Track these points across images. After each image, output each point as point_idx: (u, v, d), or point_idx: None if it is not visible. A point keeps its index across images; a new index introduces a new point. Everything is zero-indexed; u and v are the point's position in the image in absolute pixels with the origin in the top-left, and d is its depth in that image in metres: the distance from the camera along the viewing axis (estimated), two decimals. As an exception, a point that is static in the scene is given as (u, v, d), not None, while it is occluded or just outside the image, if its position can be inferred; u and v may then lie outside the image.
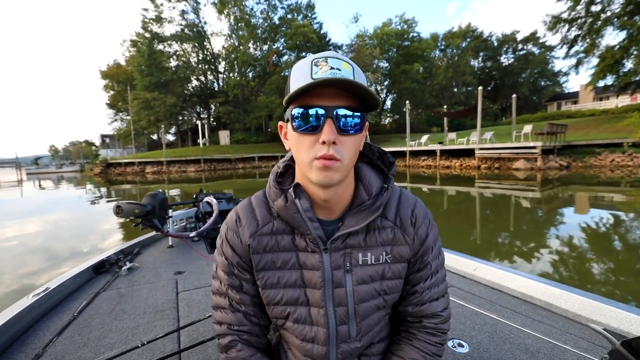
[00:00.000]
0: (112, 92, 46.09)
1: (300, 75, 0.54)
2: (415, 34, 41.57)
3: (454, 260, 2.01)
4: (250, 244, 0.64)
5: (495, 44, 43.00)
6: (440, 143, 19.21)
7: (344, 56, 0.56)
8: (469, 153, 16.36)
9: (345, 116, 0.53)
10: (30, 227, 7.44)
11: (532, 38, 37.81)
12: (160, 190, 2.47)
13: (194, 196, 3.18)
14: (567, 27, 19.29)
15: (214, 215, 2.67)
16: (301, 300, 0.64)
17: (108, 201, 11.87)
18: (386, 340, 0.73)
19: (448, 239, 5.32)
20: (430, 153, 18.80)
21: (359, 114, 0.54)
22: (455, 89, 43.30)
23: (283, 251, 0.64)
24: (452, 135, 19.61)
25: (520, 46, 41.79)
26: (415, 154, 19.92)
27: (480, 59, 44.48)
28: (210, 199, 2.86)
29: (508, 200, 8.28)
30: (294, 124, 0.55)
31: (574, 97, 37.64)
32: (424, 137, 21.05)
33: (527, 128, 15.36)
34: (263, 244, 0.64)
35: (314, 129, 0.53)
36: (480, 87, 16.58)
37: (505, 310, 1.53)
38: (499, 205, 7.99)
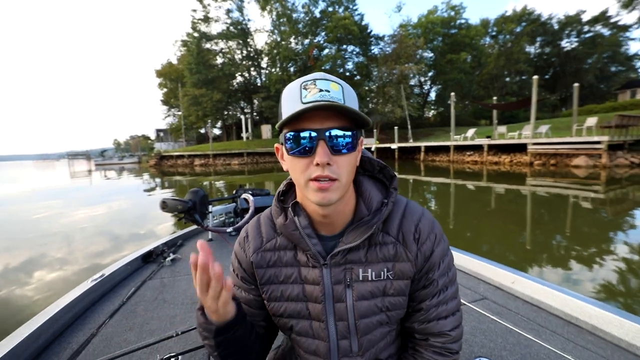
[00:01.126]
0: (165, 90, 49.64)
1: (290, 99, 0.56)
2: (463, 21, 39.18)
3: (490, 271, 1.86)
4: (253, 260, 0.68)
5: (556, 27, 38.86)
6: (488, 137, 17.99)
7: (333, 76, 0.57)
8: (521, 148, 15.12)
9: (337, 137, 0.54)
10: (98, 212, 8.41)
11: (602, 18, 33.66)
12: (201, 188, 2.67)
13: (234, 192, 3.38)
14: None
15: (250, 211, 2.84)
16: (303, 314, 0.66)
17: (162, 191, 12.96)
18: (395, 356, 0.72)
19: (488, 243, 5.05)
20: (477, 148, 17.68)
21: (350, 132, 0.55)
22: (508, 79, 40.06)
23: (286, 266, 0.67)
24: (502, 128, 18.26)
25: (586, 28, 37.31)
26: (460, 148, 18.85)
27: (537, 45, 40.59)
28: (248, 195, 3.01)
29: (563, 201, 7.58)
30: (287, 147, 0.57)
31: (652, 84, 32.94)
32: (470, 131, 19.86)
33: (591, 120, 13.78)
34: (266, 259, 0.68)
35: (308, 152, 0.55)
36: (535, 76, 15.14)
37: (543, 330, 1.39)
38: (552, 206, 7.35)
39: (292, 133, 0.55)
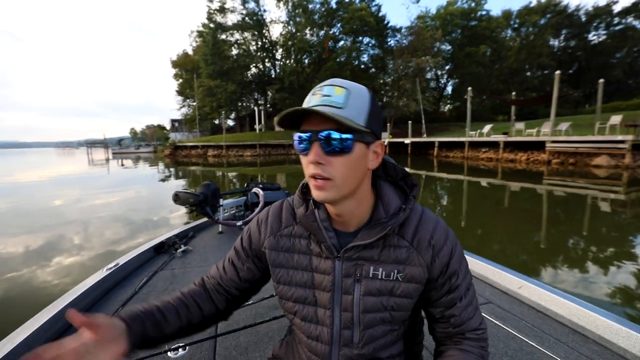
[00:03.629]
0: (181, 80, 50.26)
1: (303, 105, 0.61)
2: (483, 12, 37.84)
3: (496, 274, 1.82)
4: (268, 242, 0.73)
5: (583, 19, 37.14)
6: (505, 134, 17.48)
7: (345, 81, 0.60)
8: (539, 146, 14.66)
9: (332, 138, 0.57)
10: (114, 200, 8.68)
11: (635, 9, 31.93)
12: (213, 182, 2.72)
13: (245, 185, 3.43)
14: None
15: (259, 205, 2.88)
16: (309, 300, 0.70)
17: (175, 181, 13.23)
18: (396, 358, 0.74)
19: (501, 242, 4.97)
20: (493, 145, 17.23)
21: (347, 135, 0.57)
22: (529, 73, 38.68)
23: (299, 253, 0.71)
24: (520, 125, 17.68)
25: (616, 20, 35.50)
26: (476, 145, 18.42)
27: (561, 38, 38.93)
28: (258, 190, 3.06)
29: (581, 202, 7.35)
30: (295, 146, 0.63)
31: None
32: (487, 127, 19.38)
33: (615, 119, 13.19)
34: (281, 243, 0.73)
35: (306, 151, 0.61)
36: (558, 71, 14.56)
37: (547, 337, 1.37)
38: (569, 206, 7.14)
39: (296, 135, 0.62)
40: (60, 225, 5.99)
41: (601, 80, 14.27)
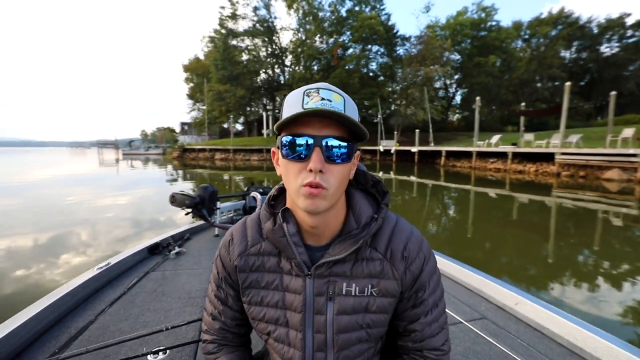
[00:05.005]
0: (191, 85, 51.05)
1: (292, 104, 0.56)
2: (493, 23, 37.79)
3: (492, 289, 1.75)
4: (237, 263, 0.67)
5: (595, 30, 36.79)
6: (514, 144, 17.33)
7: (337, 88, 0.58)
8: (548, 158, 14.47)
9: (333, 146, 0.55)
10: (122, 200, 8.79)
11: (648, 23, 31.49)
12: (211, 185, 2.72)
13: (245, 189, 3.42)
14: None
15: (257, 209, 2.86)
16: (281, 321, 0.66)
17: (183, 183, 13.36)
18: None
19: (507, 254, 4.88)
20: (501, 155, 17.07)
21: (346, 144, 0.56)
22: (539, 84, 38.36)
23: (268, 272, 0.66)
24: (529, 136, 17.51)
25: (629, 32, 35.09)
26: (483, 155, 18.26)
27: (573, 50, 38.58)
28: (256, 194, 3.04)
29: (591, 216, 7.20)
30: (283, 151, 0.57)
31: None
32: (495, 137, 19.20)
33: (628, 132, 12.98)
34: (249, 263, 0.67)
35: (303, 157, 0.55)
36: (568, 83, 14.43)
37: (542, 358, 1.31)
38: (579, 220, 7.00)
39: (289, 137, 0.56)
40: (68, 224, 6.07)
41: (613, 93, 14.07)
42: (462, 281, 1.95)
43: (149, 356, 1.24)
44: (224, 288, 0.71)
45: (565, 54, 38.52)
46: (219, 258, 0.72)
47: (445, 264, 2.12)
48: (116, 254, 2.19)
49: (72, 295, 1.61)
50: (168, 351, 1.27)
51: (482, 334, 1.44)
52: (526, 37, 39.89)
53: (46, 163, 28.99)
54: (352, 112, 0.57)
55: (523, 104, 20.66)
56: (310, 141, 0.54)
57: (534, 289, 3.47)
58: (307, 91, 0.56)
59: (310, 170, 0.54)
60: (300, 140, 0.55)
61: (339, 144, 0.55)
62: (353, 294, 0.63)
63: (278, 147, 0.60)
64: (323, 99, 0.55)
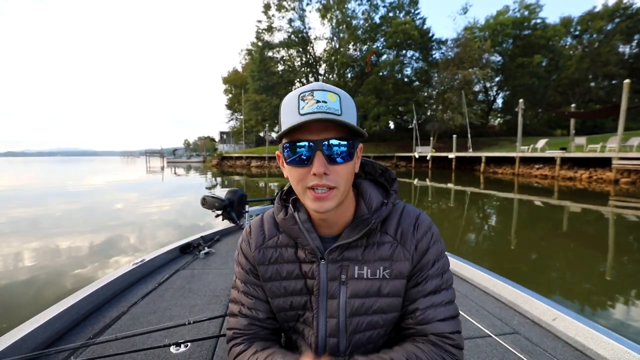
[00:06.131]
0: (230, 95, 53.62)
1: (288, 111, 0.57)
2: (538, 20, 35.52)
3: (527, 302, 1.62)
4: (255, 255, 0.69)
5: (660, 23, 33.18)
6: (563, 149, 16.00)
7: (331, 86, 0.58)
8: (604, 163, 13.18)
9: (334, 147, 0.55)
10: (166, 205, 9.41)
11: None
12: (240, 188, 2.83)
13: (275, 194, 3.51)
14: None
15: None
16: (308, 306, 0.67)
17: (222, 188, 13.99)
18: None
19: (557, 270, 4.52)
20: (548, 161, 15.83)
21: (346, 142, 0.56)
22: (592, 84, 35.24)
23: (287, 262, 0.68)
24: (581, 140, 16.08)
25: (702, 23, 31.23)
26: (528, 161, 17.06)
27: (633, 44, 35.05)
28: None
29: (656, 228, 6.43)
30: (285, 156, 0.59)
31: None
32: (541, 142, 17.92)
33: (702, 134, 11.51)
34: (267, 256, 0.69)
35: (306, 161, 0.56)
36: (627, 80, 13.10)
37: None
38: (636, 233, 6.29)
39: (289, 144, 0.57)
40: (118, 226, 6.61)
41: (683, 91, 12.51)
42: (493, 292, 1.84)
43: (171, 347, 1.30)
44: (253, 281, 0.71)
45: (624, 50, 35.09)
46: (241, 254, 0.73)
47: (475, 274, 2.01)
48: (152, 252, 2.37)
49: (108, 288, 1.76)
50: (189, 344, 1.33)
51: (512, 349, 1.34)
52: (576, 33, 36.99)
53: (100, 171, 31.82)
54: (350, 109, 0.57)
55: (573, 105, 19.10)
56: (311, 145, 0.55)
57: (585, 309, 3.17)
58: (302, 95, 0.56)
59: (315, 174, 0.55)
60: (302, 145, 0.56)
61: (339, 144, 0.56)
62: (365, 277, 0.64)
63: (281, 152, 0.61)
64: (318, 101, 0.55)
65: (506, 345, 1.36)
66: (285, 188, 0.73)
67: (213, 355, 1.31)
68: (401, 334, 0.69)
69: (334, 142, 0.55)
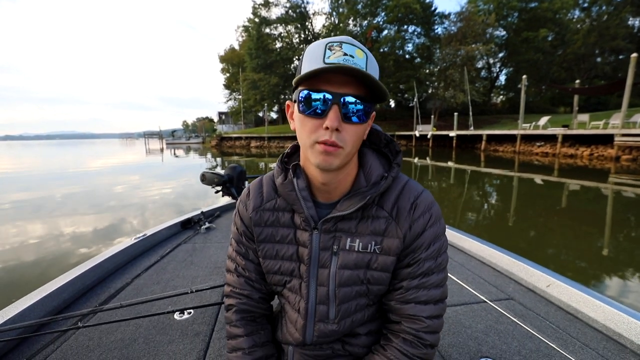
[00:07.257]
0: (227, 75, 52.49)
1: (313, 58, 0.54)
2: (546, -8, 34.13)
3: (522, 270, 1.68)
4: (252, 216, 0.69)
5: (672, -7, 31.89)
6: (565, 126, 15.80)
7: (359, 43, 0.56)
8: (605, 140, 13.07)
9: (352, 104, 0.53)
10: (167, 186, 9.45)
11: None
12: (239, 164, 2.84)
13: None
14: None
15: None
16: (295, 273, 0.68)
17: (221, 169, 13.99)
18: (375, 334, 0.72)
19: (555, 246, 4.59)
20: (549, 138, 15.71)
21: (365, 103, 0.54)
22: (599, 59, 34.32)
23: (283, 227, 0.68)
24: (584, 117, 15.87)
25: None
26: (529, 138, 16.92)
27: (643, 16, 33.81)
28: None
29: (654, 203, 6.47)
30: (300, 106, 0.56)
31: None
32: (543, 119, 17.71)
33: None
34: (264, 218, 0.69)
35: (320, 114, 0.53)
36: (634, 54, 12.70)
37: (573, 341, 1.21)
38: (634, 209, 6.34)
39: (306, 92, 0.54)
40: (120, 207, 6.68)
41: (690, 65, 12.25)
42: (490, 262, 1.90)
43: (175, 314, 1.36)
44: (245, 242, 0.73)
45: (634, 22, 33.92)
46: (237, 214, 0.74)
47: (472, 244, 2.07)
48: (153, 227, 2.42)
49: (112, 260, 1.82)
50: (192, 311, 1.40)
51: (506, 313, 1.39)
52: (585, 5, 35.62)
53: (101, 153, 31.72)
54: (374, 70, 0.56)
55: (578, 81, 18.67)
56: (329, 97, 0.52)
57: (580, 279, 3.25)
58: (330, 44, 0.54)
59: (327, 128, 0.53)
60: (318, 96, 0.53)
61: (358, 103, 0.53)
62: (356, 249, 0.64)
63: (294, 101, 0.58)
64: (345, 54, 0.52)
65: (501, 310, 1.41)
66: (288, 150, 0.72)
67: (216, 322, 1.35)
68: (382, 307, 0.71)
69: (351, 99, 0.53)
